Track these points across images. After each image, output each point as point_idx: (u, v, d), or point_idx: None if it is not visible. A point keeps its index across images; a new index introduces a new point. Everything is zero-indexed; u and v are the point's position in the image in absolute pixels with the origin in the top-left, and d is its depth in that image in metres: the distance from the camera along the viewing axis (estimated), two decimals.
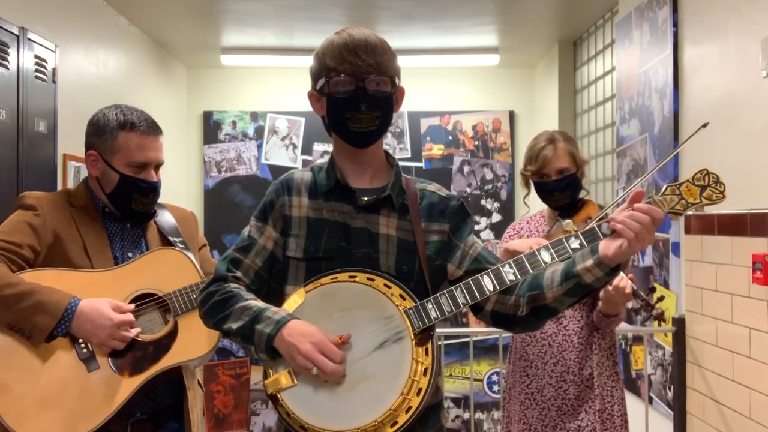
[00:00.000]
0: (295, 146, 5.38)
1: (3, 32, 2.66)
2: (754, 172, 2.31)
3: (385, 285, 1.46)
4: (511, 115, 5.42)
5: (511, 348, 2.48)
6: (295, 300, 1.49)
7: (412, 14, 4.13)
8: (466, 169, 5.40)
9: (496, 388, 5.22)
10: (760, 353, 2.27)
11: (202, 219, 5.29)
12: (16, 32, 2.74)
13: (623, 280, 2.11)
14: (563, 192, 2.38)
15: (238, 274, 1.56)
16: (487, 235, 5.39)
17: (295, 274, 1.54)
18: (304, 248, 1.54)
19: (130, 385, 1.79)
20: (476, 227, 5.39)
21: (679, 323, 2.84)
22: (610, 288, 2.10)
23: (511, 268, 1.44)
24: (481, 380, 5.31)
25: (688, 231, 2.72)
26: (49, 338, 1.75)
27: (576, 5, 4.02)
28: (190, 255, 1.98)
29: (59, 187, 3.18)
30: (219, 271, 1.57)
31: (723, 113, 2.53)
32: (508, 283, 1.44)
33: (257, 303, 1.50)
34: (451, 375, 5.21)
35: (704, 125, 2.69)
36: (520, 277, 1.44)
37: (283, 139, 5.38)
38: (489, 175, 5.42)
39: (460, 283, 1.46)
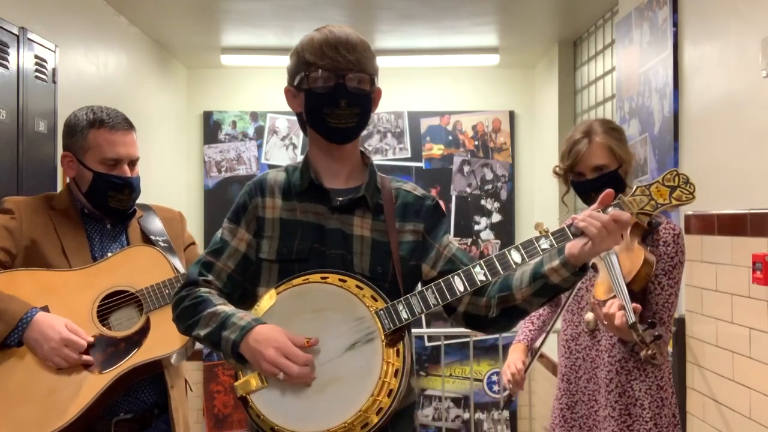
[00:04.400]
0: (295, 146, 5.38)
1: (3, 32, 2.65)
2: (754, 172, 2.31)
3: (357, 286, 1.45)
4: (511, 115, 5.42)
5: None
6: (266, 301, 1.48)
7: (412, 14, 4.13)
8: (466, 169, 5.40)
9: (496, 388, 5.22)
10: (760, 353, 2.27)
11: (201, 219, 5.29)
12: (16, 32, 2.74)
13: (612, 307, 1.90)
14: (600, 192, 2.14)
15: (210, 277, 1.55)
16: (487, 235, 5.39)
17: (268, 276, 1.53)
18: (277, 250, 1.52)
19: (99, 381, 1.78)
20: (476, 227, 5.39)
21: (679, 323, 2.84)
22: (601, 315, 1.94)
23: (482, 269, 1.44)
24: (481, 380, 5.31)
25: (688, 231, 2.72)
26: (1, 346, 1.74)
27: (576, 5, 4.02)
28: (168, 254, 1.97)
29: (59, 187, 3.18)
30: (190, 275, 1.57)
31: (723, 113, 2.53)
32: (479, 283, 1.44)
33: (225, 308, 1.48)
34: (451, 375, 5.21)
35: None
36: (491, 278, 1.44)
37: (283, 139, 5.38)
38: (489, 175, 5.41)
39: (431, 284, 1.46)
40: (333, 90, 1.48)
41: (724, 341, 2.51)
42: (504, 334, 4.95)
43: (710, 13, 2.63)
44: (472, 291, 1.47)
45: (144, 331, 1.86)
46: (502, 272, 1.43)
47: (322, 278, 1.46)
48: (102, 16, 3.86)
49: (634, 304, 1.90)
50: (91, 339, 1.81)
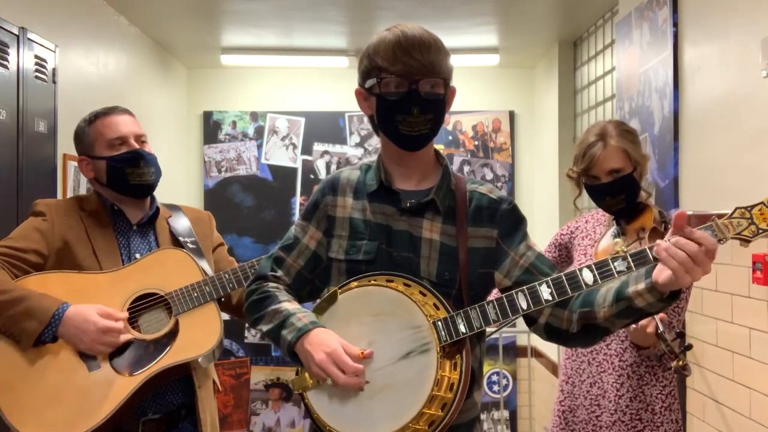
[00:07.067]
0: (295, 146, 5.38)
1: (3, 32, 2.65)
2: (754, 172, 2.31)
3: (421, 292, 1.42)
4: (511, 115, 5.42)
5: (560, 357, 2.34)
6: (328, 301, 1.47)
7: (412, 15, 4.13)
8: (466, 169, 5.40)
9: (496, 388, 5.22)
10: (760, 353, 2.27)
11: None
12: (16, 32, 2.74)
13: (649, 327, 1.87)
14: (615, 197, 2.06)
15: (279, 273, 1.56)
16: None
17: (337, 275, 1.52)
18: (346, 250, 1.50)
19: (129, 384, 1.81)
20: None
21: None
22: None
23: (548, 287, 1.36)
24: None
25: None
26: (37, 343, 1.77)
27: (576, 5, 4.02)
28: (197, 258, 1.99)
29: (59, 187, 3.18)
30: (262, 270, 1.59)
31: (723, 113, 2.53)
32: (544, 303, 1.37)
33: (288, 306, 1.48)
34: None
35: None
36: (557, 298, 1.36)
37: (283, 139, 5.38)
38: (489, 175, 5.41)
39: (493, 299, 1.40)
40: (405, 96, 1.42)
41: (724, 341, 2.51)
42: (504, 334, 4.95)
43: (710, 13, 2.63)
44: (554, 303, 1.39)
45: (173, 334, 1.88)
46: (570, 293, 1.35)
47: (387, 281, 1.43)
48: (102, 16, 3.86)
49: (661, 314, 1.86)
50: (126, 314, 1.85)
